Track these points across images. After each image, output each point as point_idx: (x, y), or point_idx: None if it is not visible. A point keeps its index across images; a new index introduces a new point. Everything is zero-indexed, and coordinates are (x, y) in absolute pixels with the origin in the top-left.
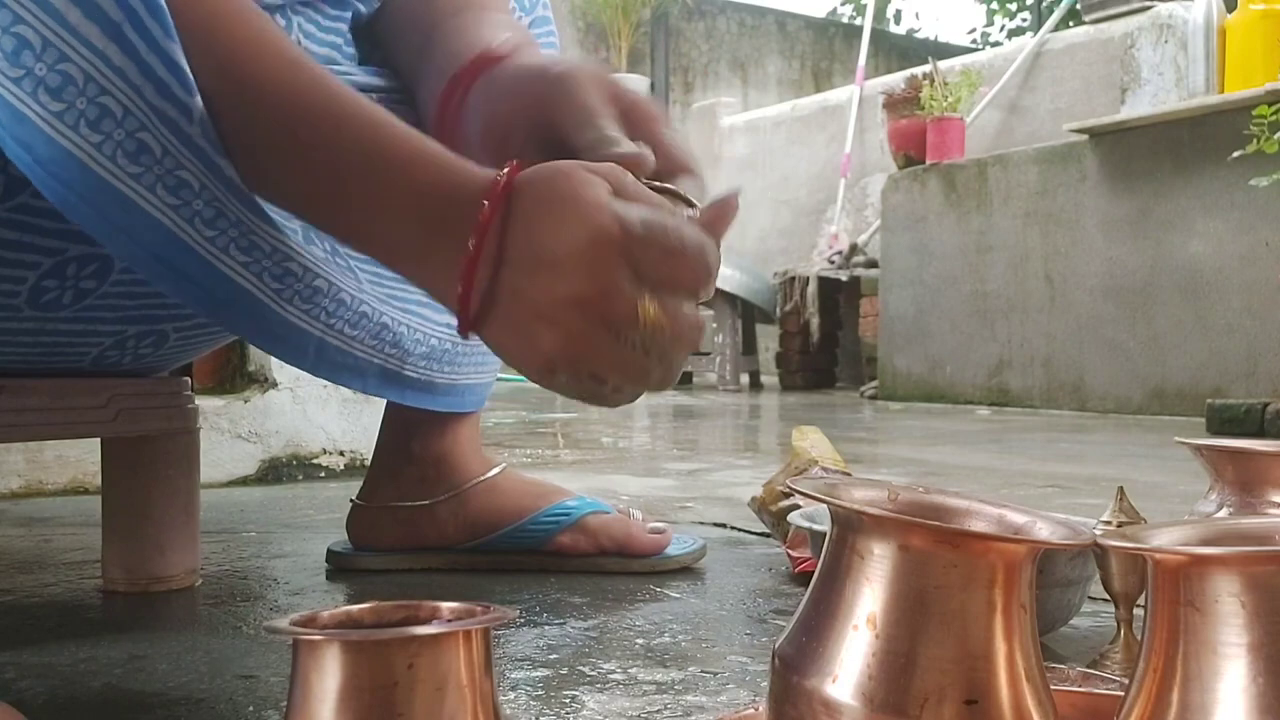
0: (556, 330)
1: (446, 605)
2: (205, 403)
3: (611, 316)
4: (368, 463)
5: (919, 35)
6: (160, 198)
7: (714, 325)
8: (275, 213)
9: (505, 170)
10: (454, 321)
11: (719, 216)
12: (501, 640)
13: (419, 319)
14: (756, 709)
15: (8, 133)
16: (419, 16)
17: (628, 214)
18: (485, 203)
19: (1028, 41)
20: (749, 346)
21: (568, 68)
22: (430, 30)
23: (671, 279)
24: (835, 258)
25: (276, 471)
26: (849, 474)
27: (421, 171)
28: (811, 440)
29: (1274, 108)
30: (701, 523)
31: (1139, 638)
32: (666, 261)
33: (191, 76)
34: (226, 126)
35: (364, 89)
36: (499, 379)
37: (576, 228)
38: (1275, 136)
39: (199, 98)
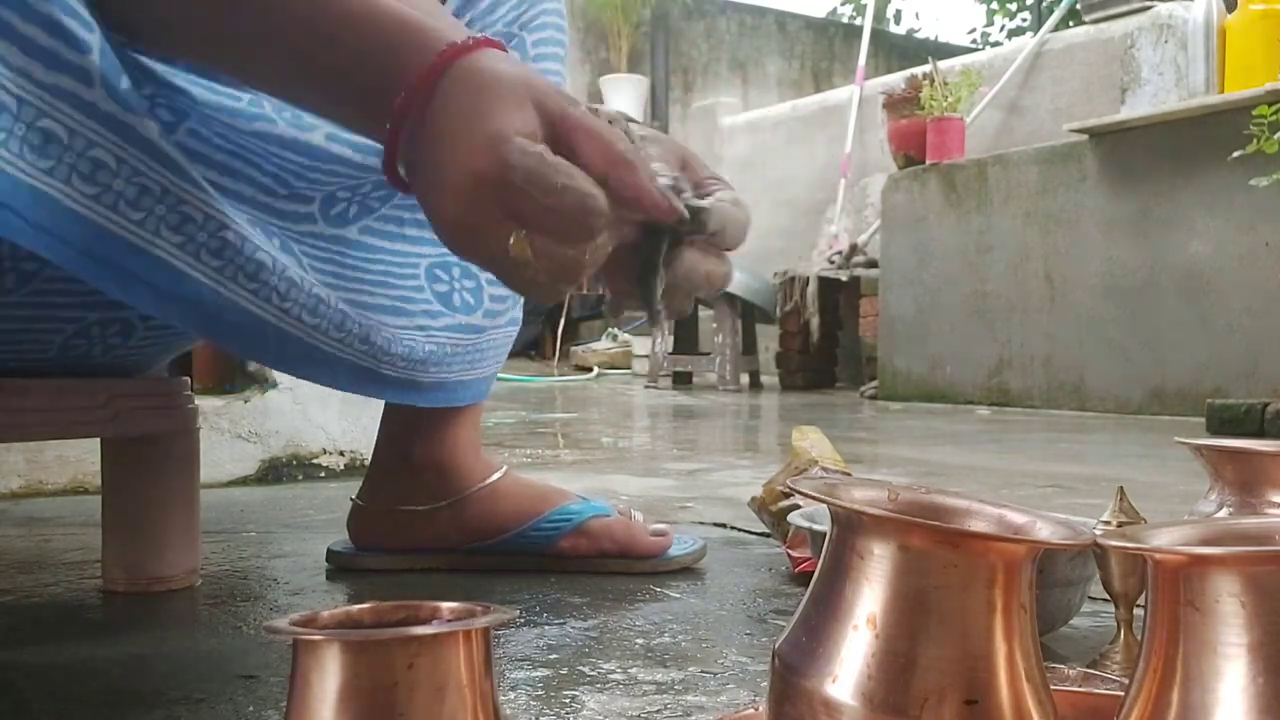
0: (445, 230)
1: (446, 605)
2: (205, 403)
3: (482, 243)
4: (368, 463)
5: (919, 35)
6: (77, 189)
7: (714, 325)
8: (196, 173)
9: (443, 50)
10: (453, 322)
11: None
12: (501, 640)
13: (386, 324)
14: (756, 709)
15: None
16: None
17: (514, 161)
18: (414, 83)
19: (1028, 41)
20: (749, 346)
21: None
22: None
23: (544, 226)
24: (835, 258)
25: (276, 471)
26: (849, 474)
27: (373, 22)
28: (811, 440)
29: (1274, 108)
30: (701, 523)
31: (1139, 638)
32: (542, 212)
33: (81, 31)
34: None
35: None
36: (499, 379)
37: (462, 162)
38: (1275, 136)
39: (95, 53)
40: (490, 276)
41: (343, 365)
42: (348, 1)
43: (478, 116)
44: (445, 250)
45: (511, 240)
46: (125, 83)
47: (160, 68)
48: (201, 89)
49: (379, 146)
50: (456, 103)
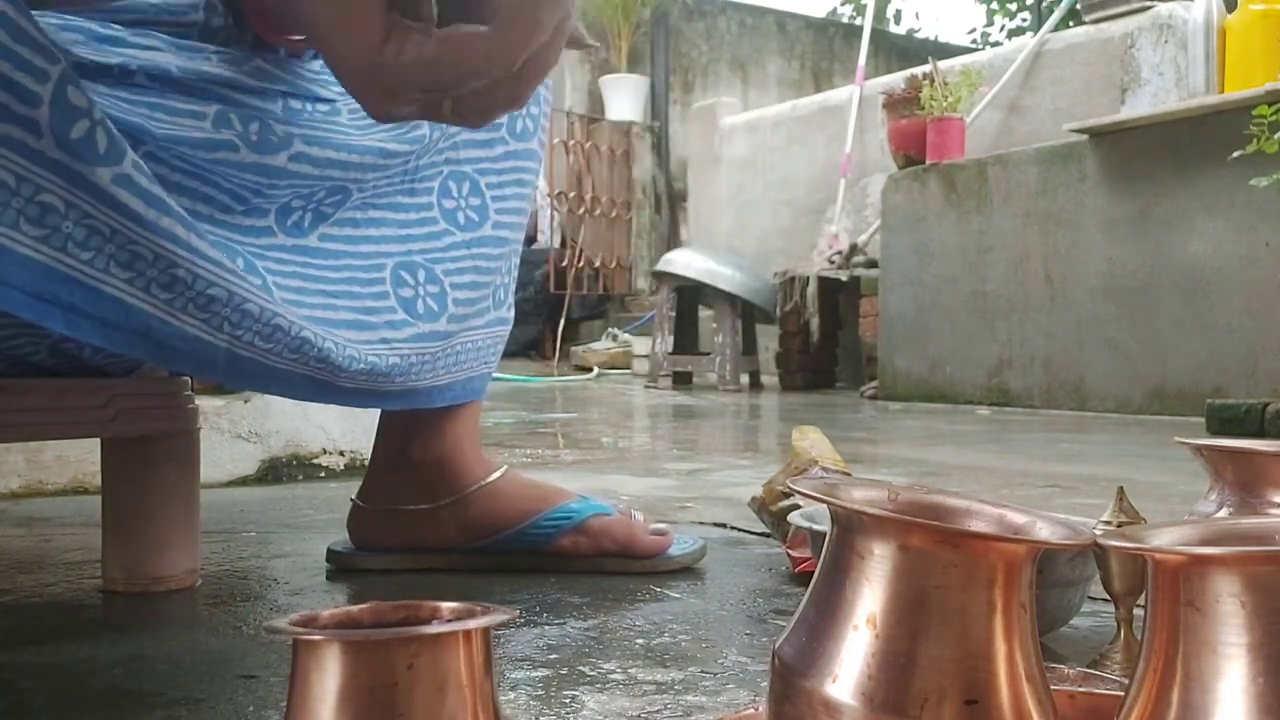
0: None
1: (446, 605)
2: (205, 403)
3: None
4: (368, 463)
5: (919, 35)
6: (25, 233)
7: (714, 325)
8: (153, 218)
9: None
10: (417, 331)
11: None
12: (501, 640)
13: (348, 341)
14: (756, 709)
15: None
16: None
17: (396, 63)
18: None
19: (1028, 41)
20: (749, 346)
21: None
22: None
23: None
24: (835, 258)
25: (276, 471)
26: (849, 474)
27: None
28: (811, 440)
29: (1274, 108)
30: (701, 523)
31: (1139, 638)
32: (438, 87)
33: (33, 84)
34: None
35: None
36: (495, 378)
37: (340, 46)
38: (1275, 136)
39: (45, 106)
40: (456, 281)
41: (297, 378)
42: None
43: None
44: (410, 248)
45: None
46: (76, 132)
47: (116, 109)
48: (161, 124)
49: (340, 159)
50: None
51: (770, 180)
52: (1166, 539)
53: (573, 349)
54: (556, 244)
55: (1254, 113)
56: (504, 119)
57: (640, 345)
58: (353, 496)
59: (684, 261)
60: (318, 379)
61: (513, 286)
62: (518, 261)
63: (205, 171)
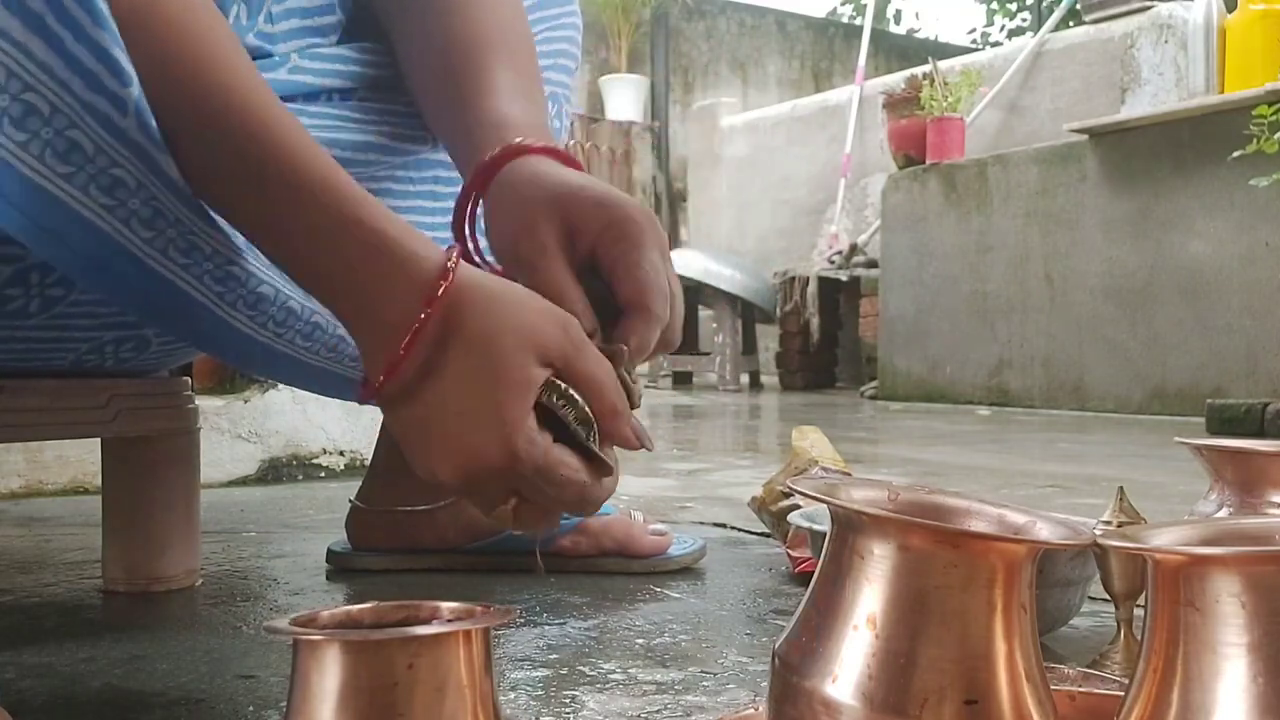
0: (426, 475)
1: (446, 605)
2: (205, 403)
3: (471, 501)
4: (368, 462)
5: (919, 35)
6: (94, 198)
7: (714, 325)
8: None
9: (447, 266)
10: None
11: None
12: (501, 640)
13: None
14: (756, 709)
15: None
16: None
17: (525, 454)
18: (416, 323)
19: (1028, 41)
20: (749, 346)
21: (631, 210)
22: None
23: (541, 502)
24: (835, 258)
25: (276, 471)
26: (849, 474)
27: (369, 236)
28: (811, 440)
29: (1274, 108)
30: (701, 523)
31: (1139, 638)
32: (541, 494)
33: (126, 65)
34: (175, 142)
35: (347, 87)
36: None
37: (472, 435)
38: (1275, 136)
39: (135, 87)
40: None
41: (330, 375)
42: (331, 212)
43: (482, 388)
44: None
45: (498, 510)
46: (155, 124)
47: None
48: None
49: (344, 157)
50: (458, 369)
51: (770, 180)
52: (1166, 539)
53: None
54: None
55: (1254, 113)
56: None
57: None
58: (352, 498)
59: (684, 261)
60: (351, 378)
61: None
62: None
63: None
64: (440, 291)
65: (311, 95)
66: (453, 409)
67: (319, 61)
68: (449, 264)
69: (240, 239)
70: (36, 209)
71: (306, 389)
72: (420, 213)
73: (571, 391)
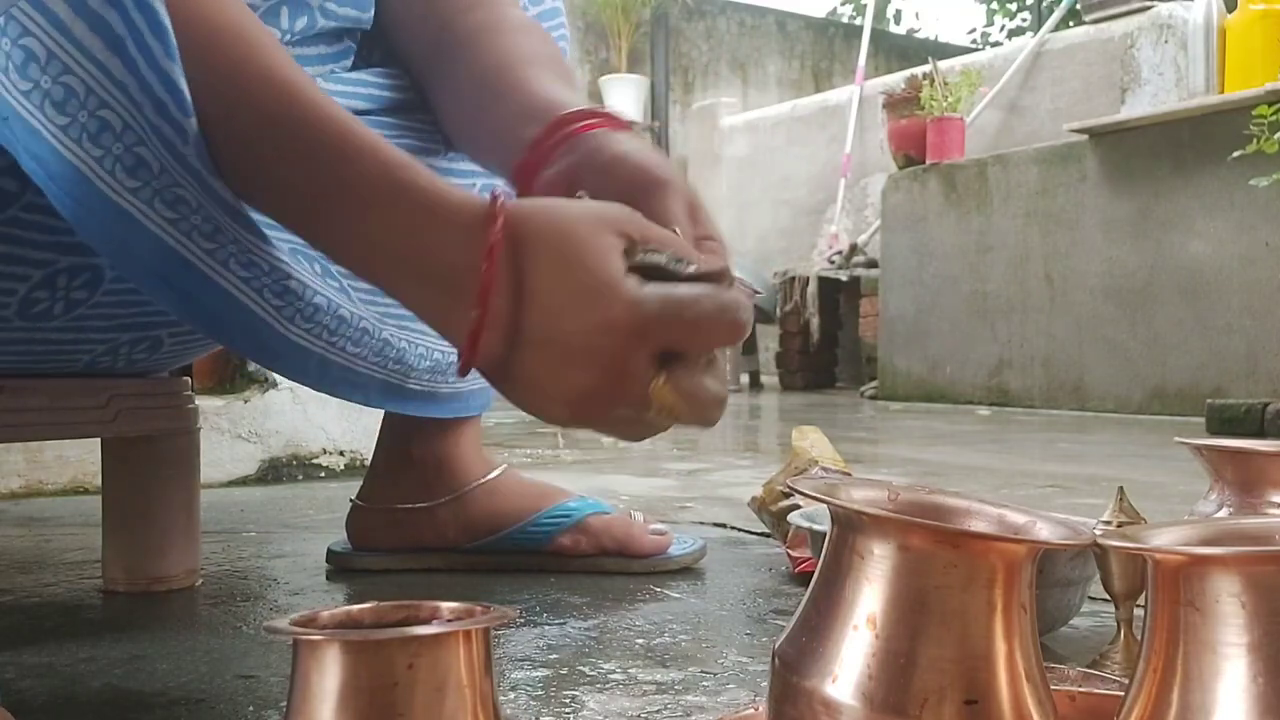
0: (567, 407)
1: (446, 605)
2: (205, 403)
3: (624, 402)
4: (368, 462)
5: (919, 35)
6: (158, 211)
7: None
8: (268, 228)
9: (495, 205)
10: None
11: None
12: (501, 640)
13: (419, 334)
14: (756, 709)
15: (23, 148)
16: (424, 13)
17: (641, 295)
18: (484, 265)
19: (1028, 41)
20: (749, 346)
21: (667, 177)
22: (441, 30)
23: (691, 354)
24: (835, 258)
25: (276, 471)
26: (849, 474)
27: (420, 196)
28: (811, 440)
29: (1274, 108)
30: (701, 523)
31: (1139, 638)
32: (687, 337)
33: (189, 98)
34: (220, 142)
35: (366, 109)
36: None
37: (590, 314)
38: (1275, 136)
39: (194, 119)
40: None
41: (375, 384)
42: (370, 175)
43: (575, 274)
44: None
45: (653, 388)
46: (209, 154)
47: None
48: None
49: None
50: (545, 274)
51: (770, 180)
52: (1166, 539)
53: None
54: None
55: (1254, 113)
56: None
57: None
58: (352, 498)
59: None
60: (391, 383)
61: None
62: None
63: None
64: (498, 220)
65: None
66: (558, 308)
67: (338, 84)
68: (497, 196)
69: (287, 251)
70: (110, 220)
71: (349, 398)
72: None
73: (654, 247)
